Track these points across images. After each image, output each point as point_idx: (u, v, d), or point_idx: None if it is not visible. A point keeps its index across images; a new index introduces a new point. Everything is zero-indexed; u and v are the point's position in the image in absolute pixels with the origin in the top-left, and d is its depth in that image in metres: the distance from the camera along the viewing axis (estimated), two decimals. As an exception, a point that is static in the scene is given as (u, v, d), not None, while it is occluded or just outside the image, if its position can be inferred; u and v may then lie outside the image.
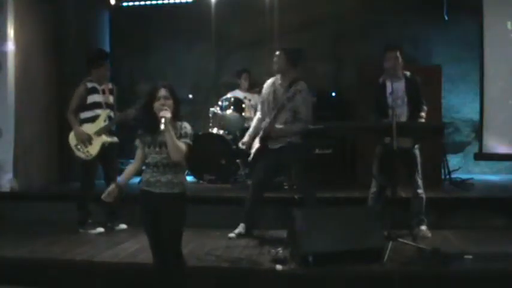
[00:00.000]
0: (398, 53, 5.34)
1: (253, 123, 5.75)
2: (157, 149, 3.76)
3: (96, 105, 5.90)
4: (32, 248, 5.15)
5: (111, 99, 6.01)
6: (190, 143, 3.77)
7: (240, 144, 5.79)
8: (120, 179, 3.95)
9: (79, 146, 5.86)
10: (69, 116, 5.90)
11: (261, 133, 5.51)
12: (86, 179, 5.99)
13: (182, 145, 3.72)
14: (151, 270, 3.89)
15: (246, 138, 5.69)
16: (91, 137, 5.84)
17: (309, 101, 5.49)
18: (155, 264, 3.87)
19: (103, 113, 5.89)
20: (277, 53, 5.51)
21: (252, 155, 5.60)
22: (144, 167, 3.88)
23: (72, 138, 5.89)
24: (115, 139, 5.97)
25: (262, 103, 5.64)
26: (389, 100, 5.12)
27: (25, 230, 5.92)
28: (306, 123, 5.44)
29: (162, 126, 3.64)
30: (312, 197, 5.52)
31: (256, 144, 5.58)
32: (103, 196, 3.86)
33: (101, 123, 5.87)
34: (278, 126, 5.41)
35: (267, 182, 5.61)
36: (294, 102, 5.34)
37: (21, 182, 6.88)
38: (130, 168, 3.94)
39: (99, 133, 5.83)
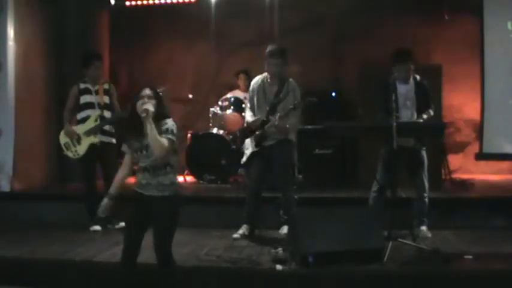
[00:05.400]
0: (410, 66, 5.29)
1: (251, 119, 5.65)
2: (145, 152, 3.75)
3: (88, 105, 5.95)
4: (32, 248, 5.14)
5: (106, 99, 6.02)
6: (173, 138, 3.70)
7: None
8: (111, 190, 3.89)
9: (68, 145, 5.94)
10: (63, 116, 6.00)
11: (259, 132, 5.50)
12: (86, 180, 6.02)
13: (163, 140, 3.66)
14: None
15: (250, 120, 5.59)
16: (80, 136, 5.89)
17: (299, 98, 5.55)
18: (122, 264, 3.87)
19: (94, 114, 5.92)
20: (276, 58, 5.43)
21: (246, 156, 5.61)
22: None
23: (62, 137, 5.98)
24: (107, 139, 5.98)
25: (252, 100, 5.61)
26: (398, 101, 5.11)
27: (25, 230, 5.91)
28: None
29: (144, 114, 3.61)
30: (290, 199, 5.51)
31: (249, 144, 5.57)
32: (99, 212, 3.86)
33: (91, 123, 5.90)
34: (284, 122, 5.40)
35: (263, 180, 5.59)
36: (287, 100, 5.42)
37: (21, 182, 6.88)
38: (118, 175, 3.92)
39: (88, 133, 5.87)
